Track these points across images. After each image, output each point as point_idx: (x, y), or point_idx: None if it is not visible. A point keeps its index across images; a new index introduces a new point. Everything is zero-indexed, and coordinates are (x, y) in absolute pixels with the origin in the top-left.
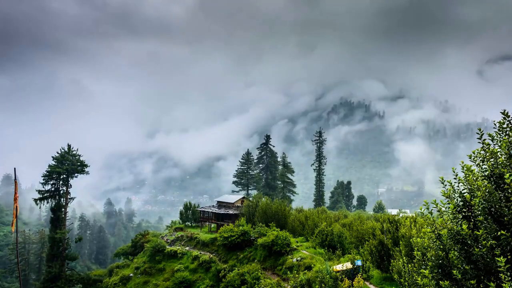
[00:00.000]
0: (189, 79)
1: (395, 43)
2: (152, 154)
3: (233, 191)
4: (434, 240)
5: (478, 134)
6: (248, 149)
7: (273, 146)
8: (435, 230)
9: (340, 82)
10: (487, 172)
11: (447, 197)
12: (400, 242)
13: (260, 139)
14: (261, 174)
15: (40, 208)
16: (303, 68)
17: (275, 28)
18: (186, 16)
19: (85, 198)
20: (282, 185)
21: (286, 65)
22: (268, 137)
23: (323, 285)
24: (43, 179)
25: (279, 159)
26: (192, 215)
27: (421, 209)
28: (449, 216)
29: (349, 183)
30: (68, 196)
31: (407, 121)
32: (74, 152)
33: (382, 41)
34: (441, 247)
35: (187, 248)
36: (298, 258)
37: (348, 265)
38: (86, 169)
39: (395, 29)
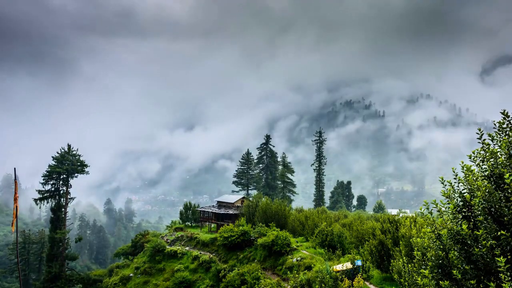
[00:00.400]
0: (196, 76)
1: (404, 45)
2: (154, 154)
3: (233, 191)
4: (434, 240)
5: (478, 134)
6: (248, 149)
7: (273, 146)
8: (435, 230)
9: (345, 82)
10: (487, 172)
11: (447, 197)
12: (400, 242)
13: (273, 135)
14: (261, 174)
15: (40, 208)
16: (314, 67)
17: (289, 25)
18: (194, 11)
19: (85, 198)
20: (282, 185)
21: (298, 63)
22: (268, 137)
23: (323, 285)
24: (43, 179)
25: (279, 159)
26: (192, 215)
27: (421, 209)
28: (449, 216)
29: (349, 183)
30: (68, 196)
31: (407, 121)
32: (74, 152)
33: (391, 42)
34: (441, 247)
35: (187, 248)
36: (298, 258)
37: (348, 265)
38: (86, 169)
39: (406, 31)
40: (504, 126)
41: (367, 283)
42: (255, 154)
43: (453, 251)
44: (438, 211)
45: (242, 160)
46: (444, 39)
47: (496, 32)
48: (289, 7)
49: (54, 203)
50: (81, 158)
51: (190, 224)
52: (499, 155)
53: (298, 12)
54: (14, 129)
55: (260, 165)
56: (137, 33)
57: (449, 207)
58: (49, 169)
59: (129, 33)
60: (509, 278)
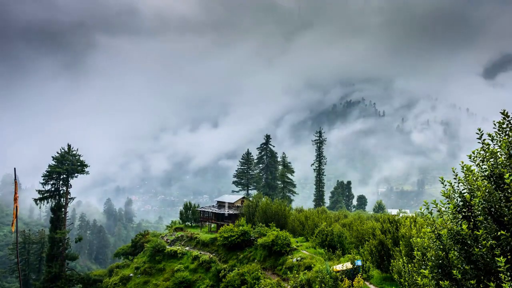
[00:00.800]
0: (203, 75)
1: (412, 45)
2: (154, 154)
3: (233, 191)
4: (434, 240)
5: (478, 134)
6: (248, 149)
7: (273, 146)
8: (435, 230)
9: (348, 81)
10: (487, 172)
11: (447, 197)
12: (400, 242)
13: (276, 134)
14: (261, 174)
15: (40, 208)
16: (319, 67)
17: (301, 25)
18: (200, 8)
19: (85, 198)
20: (282, 185)
21: (307, 62)
22: (268, 137)
23: (323, 285)
24: (43, 179)
25: (279, 159)
26: (192, 215)
27: (421, 209)
28: (449, 216)
29: (349, 183)
30: (68, 196)
31: (408, 121)
32: (74, 152)
33: (399, 43)
34: (441, 247)
35: (187, 248)
36: (298, 258)
37: (348, 265)
38: (86, 169)
39: (415, 32)
40: (504, 126)
41: (367, 283)
42: (255, 154)
43: (453, 251)
44: (438, 211)
45: (242, 160)
46: (448, 39)
47: (499, 32)
48: (297, 5)
49: (54, 203)
50: (81, 158)
51: (190, 224)
52: (499, 155)
53: (309, 12)
54: (14, 129)
55: (260, 165)
56: (142, 31)
57: (449, 207)
58: (49, 169)
59: (134, 30)
60: (509, 278)
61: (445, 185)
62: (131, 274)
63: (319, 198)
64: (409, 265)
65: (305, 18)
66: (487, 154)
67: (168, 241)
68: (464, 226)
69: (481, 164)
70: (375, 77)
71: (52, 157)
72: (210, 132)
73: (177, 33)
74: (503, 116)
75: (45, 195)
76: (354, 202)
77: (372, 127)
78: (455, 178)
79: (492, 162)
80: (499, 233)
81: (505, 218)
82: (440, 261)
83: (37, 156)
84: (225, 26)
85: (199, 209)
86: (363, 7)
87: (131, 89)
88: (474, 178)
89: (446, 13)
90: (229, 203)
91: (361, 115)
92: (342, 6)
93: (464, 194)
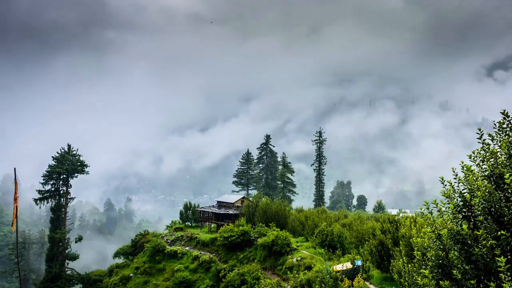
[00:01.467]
0: (212, 73)
1: (411, 47)
2: (155, 154)
3: (233, 191)
4: (434, 240)
5: (478, 134)
6: (248, 149)
7: (273, 146)
8: (435, 230)
9: (350, 79)
10: (487, 172)
11: (447, 197)
12: (400, 242)
13: (289, 131)
14: (261, 174)
15: (40, 208)
16: (348, 60)
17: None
18: (211, 2)
19: (85, 198)
20: (282, 185)
21: (330, 55)
22: (268, 137)
23: (323, 285)
24: (43, 179)
25: (279, 159)
26: (192, 215)
27: (421, 209)
28: (449, 216)
29: (349, 183)
30: (68, 196)
31: (408, 121)
32: (74, 152)
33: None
34: (441, 247)
35: (187, 248)
36: (298, 258)
37: (348, 265)
38: (86, 169)
39: (426, 33)
40: (504, 126)
41: (367, 283)
42: (255, 154)
43: (453, 251)
44: (438, 211)
45: (242, 160)
46: (450, 39)
47: (502, 32)
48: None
49: (54, 203)
50: (81, 158)
51: (190, 224)
52: (499, 155)
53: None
54: (14, 128)
55: (260, 165)
56: (149, 28)
57: (449, 207)
58: (49, 169)
59: (143, 27)
60: (509, 278)
61: (445, 185)
62: (131, 274)
63: (319, 198)
64: (409, 265)
65: (325, 15)
66: (487, 154)
67: (168, 241)
68: (464, 226)
69: (481, 164)
70: (382, 74)
71: (52, 157)
72: (218, 133)
73: (189, 30)
74: (503, 116)
75: (45, 195)
76: (354, 202)
77: (373, 127)
78: (455, 178)
79: (492, 162)
80: (499, 233)
81: (505, 218)
82: (440, 261)
83: (38, 156)
84: (241, 21)
85: (199, 209)
86: (380, 9)
87: (139, 87)
88: (474, 178)
89: (470, 16)
90: (229, 203)
91: (361, 114)
92: (358, 5)
93: (464, 194)
